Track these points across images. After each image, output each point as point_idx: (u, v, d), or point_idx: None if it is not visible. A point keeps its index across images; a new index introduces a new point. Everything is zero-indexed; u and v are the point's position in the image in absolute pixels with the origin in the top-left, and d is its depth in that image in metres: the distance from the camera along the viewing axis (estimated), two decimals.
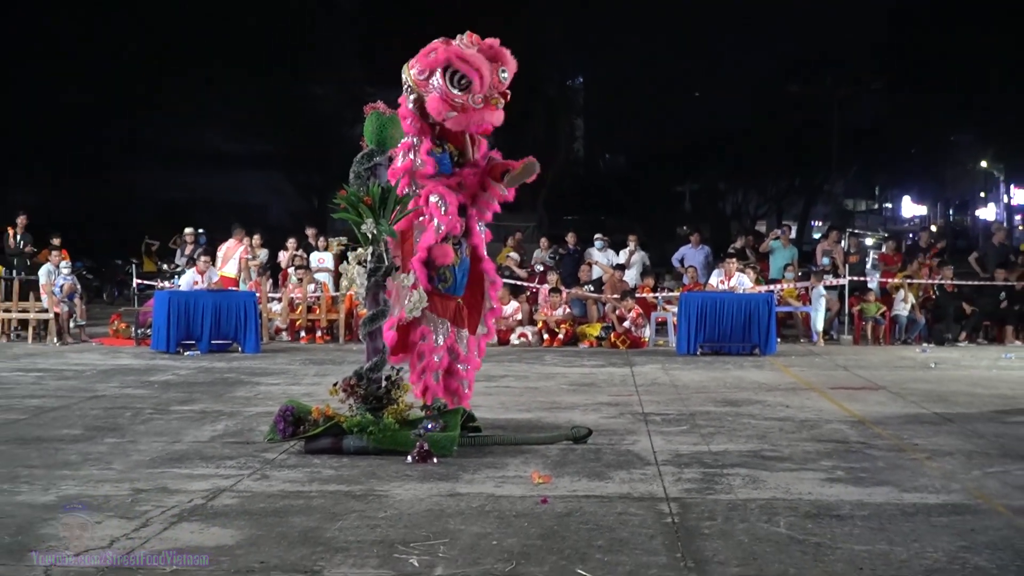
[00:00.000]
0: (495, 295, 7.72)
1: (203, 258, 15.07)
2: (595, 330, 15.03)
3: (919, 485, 5.96)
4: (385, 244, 6.84)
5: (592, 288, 16.32)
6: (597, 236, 17.92)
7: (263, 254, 16.74)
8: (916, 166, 46.14)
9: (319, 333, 15.30)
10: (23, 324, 15.08)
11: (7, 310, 15.03)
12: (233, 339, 13.67)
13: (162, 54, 28.03)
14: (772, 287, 15.65)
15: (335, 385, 6.91)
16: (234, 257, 16.07)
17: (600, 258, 17.22)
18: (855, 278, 16.41)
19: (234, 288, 15.28)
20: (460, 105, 6.99)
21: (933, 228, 32.31)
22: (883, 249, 19.16)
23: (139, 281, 18.98)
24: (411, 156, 7.08)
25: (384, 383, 6.88)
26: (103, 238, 27.21)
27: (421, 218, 7.13)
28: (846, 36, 35.87)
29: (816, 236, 34.59)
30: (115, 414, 8.35)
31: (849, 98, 38.14)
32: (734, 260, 15.44)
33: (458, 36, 7.20)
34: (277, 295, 15.85)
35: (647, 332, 15.03)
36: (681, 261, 17.65)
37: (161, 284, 17.42)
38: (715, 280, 15.05)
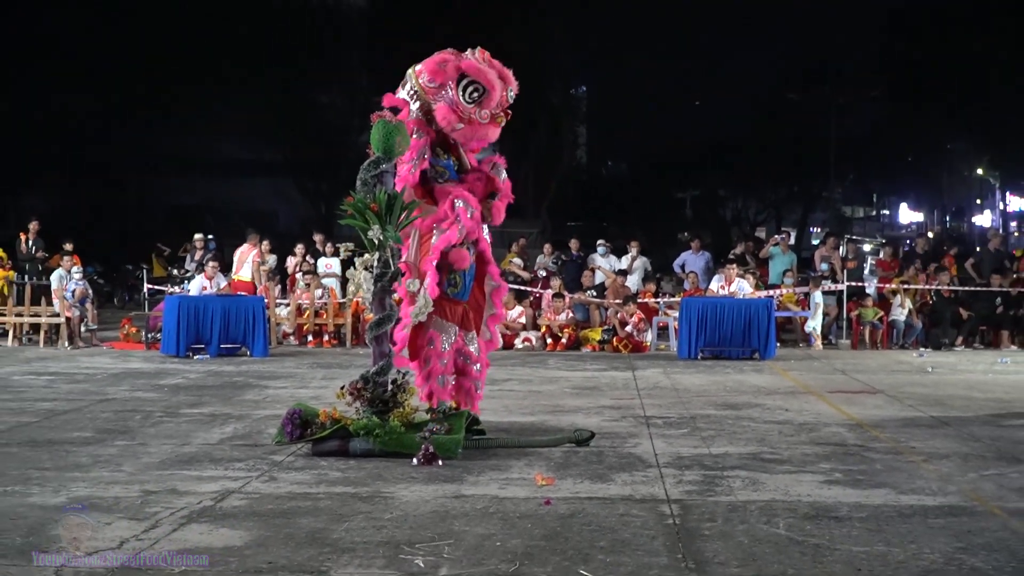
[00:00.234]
0: (499, 301, 7.80)
1: (211, 264, 15.14)
2: (597, 334, 15.11)
3: (916, 487, 6.03)
4: (392, 249, 6.92)
5: (595, 293, 16.41)
6: (600, 242, 18.03)
7: (272, 260, 16.84)
8: (913, 173, 46.25)
9: (326, 337, 15.37)
10: (35, 328, 15.15)
11: (20, 314, 15.12)
12: (242, 343, 13.74)
13: (173, 62, 28.10)
14: (771, 292, 15.74)
15: (342, 388, 6.99)
16: (248, 261, 16.15)
17: (603, 264, 17.32)
18: (853, 283, 16.51)
19: (249, 292, 15.31)
20: (467, 118, 7.11)
21: (930, 235, 32.32)
22: (880, 255, 19.25)
23: (149, 286, 19.05)
24: (421, 160, 7.17)
25: (390, 387, 6.95)
26: (114, 244, 27.28)
27: (440, 222, 7.21)
28: (845, 45, 36.07)
29: (815, 242, 34.69)
30: (125, 417, 8.43)
31: (847, 106, 38.28)
32: (734, 266, 15.53)
33: (468, 50, 7.31)
34: (285, 300, 15.94)
35: (649, 336, 15.12)
36: (682, 267, 17.73)
37: (171, 289, 17.50)
38: (715, 285, 15.15)
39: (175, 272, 19.96)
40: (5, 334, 15.15)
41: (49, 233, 17.61)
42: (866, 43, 37.05)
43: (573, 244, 18.52)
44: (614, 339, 14.76)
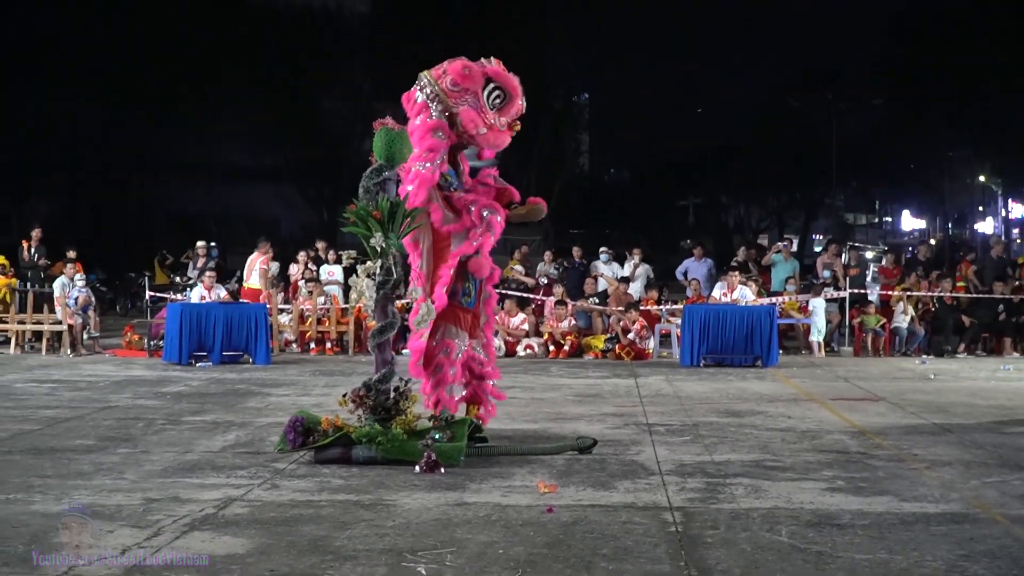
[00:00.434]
0: (490, 310, 7.84)
1: (208, 274, 15.17)
2: (600, 342, 15.12)
3: (918, 495, 6.02)
4: (394, 257, 6.94)
5: (597, 300, 16.43)
6: (602, 249, 18.04)
7: (274, 267, 16.86)
8: (915, 180, 46.30)
9: (329, 345, 15.39)
10: (37, 336, 15.20)
11: (22, 322, 15.15)
12: (244, 350, 13.76)
13: (176, 69, 28.21)
14: (774, 300, 15.74)
15: (344, 396, 7.00)
16: (256, 268, 16.14)
17: (605, 271, 17.33)
18: (855, 291, 16.51)
19: (254, 301, 15.30)
20: (490, 123, 7.15)
21: (932, 242, 32.32)
22: (883, 262, 19.25)
23: (152, 293, 19.08)
24: (437, 162, 7.18)
25: (392, 394, 6.95)
26: (116, 251, 27.33)
27: (467, 230, 7.22)
28: (846, 48, 36.17)
29: (817, 249, 34.66)
30: (128, 424, 8.44)
31: (849, 113, 38.33)
32: (736, 273, 15.55)
33: (482, 59, 7.34)
34: (287, 307, 15.96)
35: (651, 344, 15.13)
36: (684, 274, 17.74)
37: (173, 296, 17.52)
38: (718, 293, 15.16)
39: (178, 279, 19.99)
40: (7, 341, 15.19)
41: (51, 240, 17.65)
42: (867, 46, 37.19)
43: (575, 252, 18.53)
44: (616, 346, 14.77)
